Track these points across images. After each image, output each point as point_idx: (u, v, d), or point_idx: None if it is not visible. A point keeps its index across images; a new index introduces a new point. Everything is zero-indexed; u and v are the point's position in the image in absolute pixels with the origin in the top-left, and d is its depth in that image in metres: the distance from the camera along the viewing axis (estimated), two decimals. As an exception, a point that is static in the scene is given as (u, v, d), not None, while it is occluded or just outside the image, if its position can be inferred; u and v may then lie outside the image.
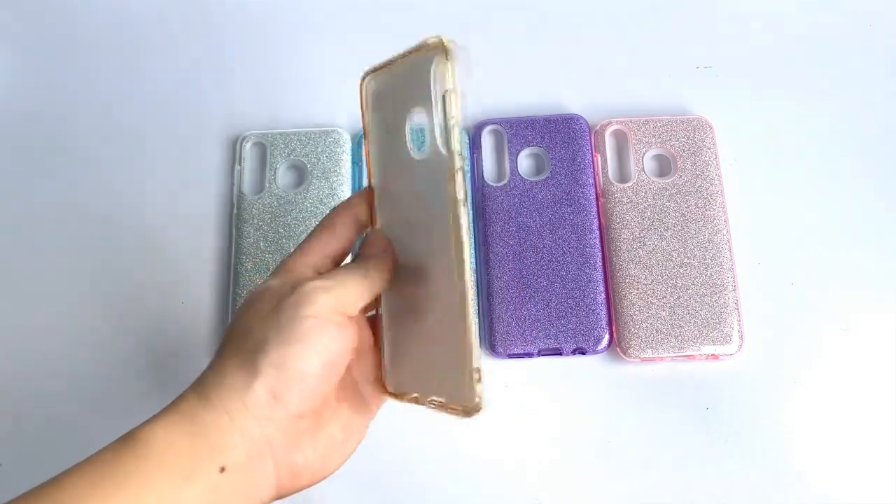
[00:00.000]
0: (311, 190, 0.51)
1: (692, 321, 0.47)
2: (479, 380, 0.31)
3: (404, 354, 0.35)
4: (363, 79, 0.36)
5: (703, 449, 0.46)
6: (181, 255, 0.51)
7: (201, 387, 0.32)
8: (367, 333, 0.37)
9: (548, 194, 0.50)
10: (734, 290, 0.48)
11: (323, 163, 0.51)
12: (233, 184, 0.52)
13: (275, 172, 0.51)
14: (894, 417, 0.46)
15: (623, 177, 0.51)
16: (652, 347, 0.47)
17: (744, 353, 0.47)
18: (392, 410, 0.47)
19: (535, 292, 0.48)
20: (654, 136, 0.51)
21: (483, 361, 0.32)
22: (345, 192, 0.51)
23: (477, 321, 0.32)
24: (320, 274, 0.35)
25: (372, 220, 0.36)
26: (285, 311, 0.32)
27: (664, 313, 0.47)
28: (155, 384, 0.48)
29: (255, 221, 0.50)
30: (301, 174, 0.52)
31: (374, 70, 0.36)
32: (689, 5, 0.56)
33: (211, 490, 0.31)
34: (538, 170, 0.51)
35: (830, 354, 0.47)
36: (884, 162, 0.52)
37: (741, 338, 0.47)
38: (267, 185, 0.51)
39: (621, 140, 0.52)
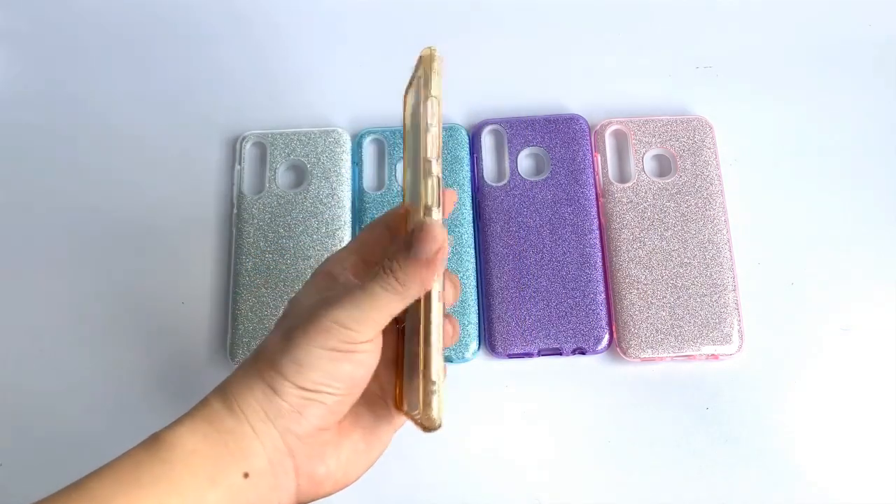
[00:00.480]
0: (311, 190, 0.51)
1: (692, 321, 0.47)
2: (434, 393, 0.31)
3: (413, 368, 0.34)
4: (405, 94, 0.36)
5: (702, 449, 0.46)
6: (181, 255, 0.50)
7: (225, 393, 0.32)
8: (396, 341, 0.36)
9: (548, 194, 0.50)
10: (734, 290, 0.48)
11: (323, 163, 0.51)
12: (233, 184, 0.52)
13: (275, 172, 0.51)
14: (894, 417, 0.46)
15: (623, 177, 0.51)
16: (652, 347, 0.47)
17: (744, 353, 0.47)
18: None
19: (534, 292, 0.48)
20: (654, 136, 0.51)
21: (441, 376, 0.31)
22: (345, 192, 0.51)
23: (439, 335, 0.32)
24: (353, 277, 0.34)
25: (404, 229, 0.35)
26: (303, 339, 0.31)
27: (664, 313, 0.47)
28: (154, 384, 0.48)
29: (255, 221, 0.50)
30: (301, 174, 0.52)
31: (409, 84, 0.36)
32: (689, 5, 0.56)
33: (234, 495, 0.31)
34: (538, 170, 0.51)
35: (830, 354, 0.47)
36: (884, 162, 0.52)
37: (741, 338, 0.47)
38: (267, 185, 0.51)
39: (621, 140, 0.52)
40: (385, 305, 0.31)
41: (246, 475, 0.31)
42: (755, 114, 0.53)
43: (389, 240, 0.35)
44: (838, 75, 0.54)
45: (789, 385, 0.47)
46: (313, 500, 0.34)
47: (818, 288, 0.49)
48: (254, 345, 0.47)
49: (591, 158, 0.51)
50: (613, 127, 0.52)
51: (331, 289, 0.33)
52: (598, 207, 0.50)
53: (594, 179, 0.51)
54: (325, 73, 0.55)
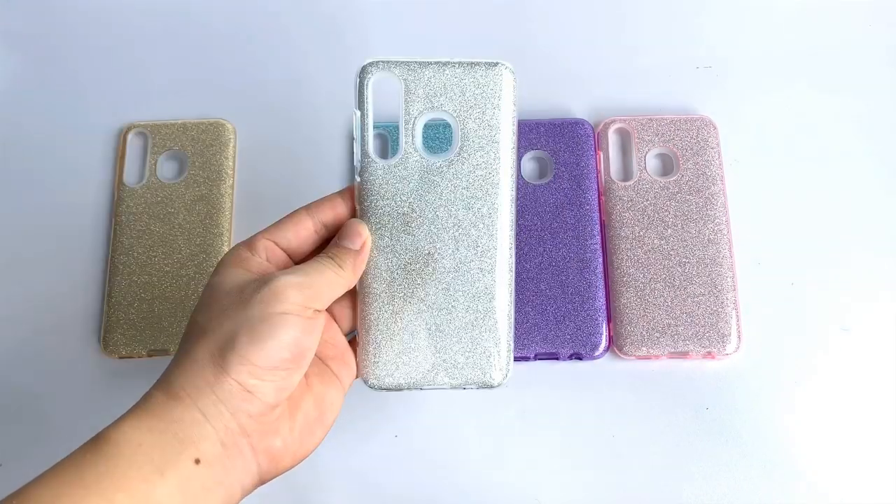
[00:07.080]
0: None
1: (691, 320, 0.47)
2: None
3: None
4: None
5: (702, 448, 0.46)
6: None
7: (168, 383, 0.32)
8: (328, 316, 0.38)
9: (550, 198, 0.50)
10: (734, 290, 0.48)
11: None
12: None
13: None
14: (894, 417, 0.46)
15: (625, 175, 0.51)
16: (647, 345, 0.47)
17: (743, 353, 0.47)
18: (390, 413, 0.47)
19: (533, 296, 0.48)
20: (656, 135, 0.51)
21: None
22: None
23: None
24: (291, 264, 0.36)
25: (354, 213, 0.37)
26: (255, 306, 0.32)
27: (662, 312, 0.47)
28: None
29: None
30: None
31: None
32: (691, 5, 0.56)
33: (186, 484, 0.30)
34: (541, 173, 0.51)
35: (830, 354, 0.47)
36: (885, 162, 0.52)
37: (740, 338, 0.47)
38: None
39: (624, 138, 0.52)
40: (330, 281, 0.35)
41: (197, 461, 0.31)
42: (756, 114, 0.53)
43: (311, 227, 0.37)
44: (839, 75, 0.54)
45: (790, 385, 0.47)
46: (275, 476, 0.34)
47: (818, 288, 0.49)
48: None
49: (594, 163, 0.51)
50: (616, 125, 0.52)
51: (250, 269, 0.34)
52: (599, 209, 0.50)
53: (597, 183, 0.50)
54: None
